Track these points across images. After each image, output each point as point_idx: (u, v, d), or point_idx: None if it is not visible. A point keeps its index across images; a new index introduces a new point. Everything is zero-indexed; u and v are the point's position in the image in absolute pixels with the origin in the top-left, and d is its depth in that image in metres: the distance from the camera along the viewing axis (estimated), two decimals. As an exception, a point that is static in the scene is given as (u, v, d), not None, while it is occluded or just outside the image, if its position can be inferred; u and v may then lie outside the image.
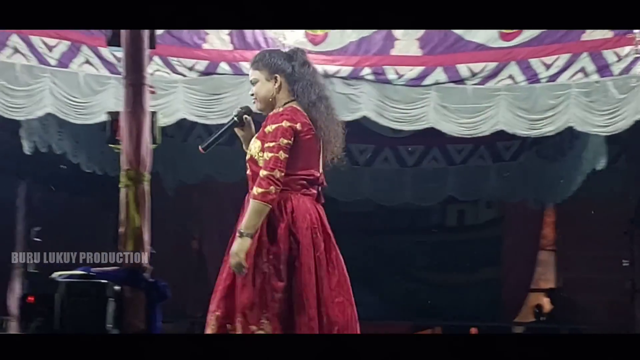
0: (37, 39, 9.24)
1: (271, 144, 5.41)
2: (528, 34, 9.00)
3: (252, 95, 5.74)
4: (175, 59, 9.33)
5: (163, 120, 9.06)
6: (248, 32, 9.20)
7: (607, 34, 8.88)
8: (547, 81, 9.07)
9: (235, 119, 5.80)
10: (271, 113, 5.61)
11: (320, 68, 8.99)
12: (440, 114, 9.25)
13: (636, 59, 8.83)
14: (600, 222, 12.35)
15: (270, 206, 5.40)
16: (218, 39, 9.30)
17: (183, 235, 14.94)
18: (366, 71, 9.21)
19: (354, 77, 9.25)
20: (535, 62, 9.06)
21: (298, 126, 5.51)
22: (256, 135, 5.67)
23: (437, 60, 9.16)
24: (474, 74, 9.15)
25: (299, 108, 5.61)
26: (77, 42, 9.28)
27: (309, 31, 9.13)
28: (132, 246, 4.97)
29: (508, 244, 14.88)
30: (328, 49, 9.20)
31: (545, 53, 9.03)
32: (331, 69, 9.19)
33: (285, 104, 5.63)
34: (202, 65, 9.36)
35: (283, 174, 5.39)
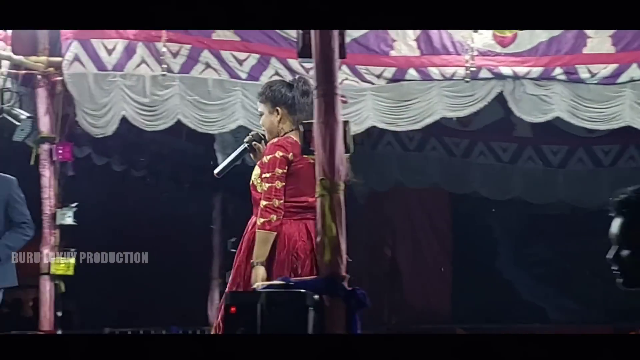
0: (228, 54, 9.44)
1: (268, 175, 5.71)
2: None
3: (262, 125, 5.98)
4: (363, 67, 9.37)
5: (353, 129, 9.14)
6: (435, 37, 9.16)
7: None
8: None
9: (247, 145, 6.06)
10: (269, 143, 5.86)
11: (510, 70, 8.92)
12: (636, 111, 8.99)
13: None
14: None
15: (275, 233, 5.68)
16: (405, 45, 9.29)
17: (376, 243, 14.99)
18: (558, 71, 9.03)
19: (545, 77, 9.09)
20: None
21: (290, 156, 5.74)
22: (258, 162, 5.91)
23: (632, 57, 8.92)
24: (670, 69, 8.86)
25: (295, 138, 5.77)
26: (266, 55, 9.43)
27: (497, 33, 9.02)
28: (329, 255, 4.98)
29: None
30: (517, 50, 9.08)
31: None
32: (521, 70, 9.06)
33: (285, 134, 5.85)
34: (389, 72, 9.36)
35: (282, 201, 5.68)
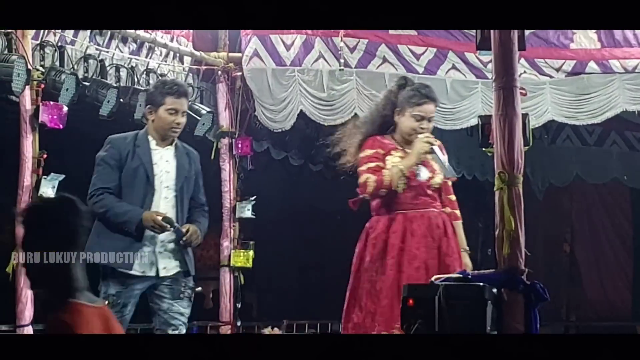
0: (405, 48, 9.47)
1: None
2: None
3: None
4: (542, 60, 9.25)
5: (532, 122, 9.05)
6: (617, 30, 8.97)
7: None
8: None
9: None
10: None
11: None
12: None
13: None
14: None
15: None
16: (586, 38, 9.13)
17: (554, 238, 14.77)
18: None
19: None
20: None
21: None
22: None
23: None
24: None
25: None
26: (443, 49, 9.42)
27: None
28: (508, 248, 4.94)
29: None
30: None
31: None
32: None
33: None
34: (569, 65, 9.22)
35: None
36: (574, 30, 9.11)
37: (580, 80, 9.27)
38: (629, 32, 8.98)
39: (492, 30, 5.16)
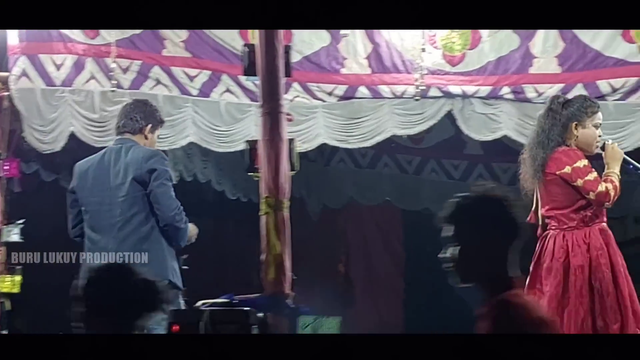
0: (179, 70, 9.43)
1: None
2: (670, 47, 8.82)
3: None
4: (314, 84, 9.39)
5: (304, 146, 9.17)
6: (385, 55, 9.21)
7: None
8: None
9: None
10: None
11: (459, 89, 9.00)
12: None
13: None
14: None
15: None
16: (356, 64, 9.33)
17: (329, 260, 14.95)
18: (505, 90, 9.11)
19: (493, 96, 9.17)
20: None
21: None
22: None
23: (577, 77, 9.00)
24: (614, 90, 8.97)
25: None
26: (217, 72, 9.43)
27: (447, 52, 9.10)
28: (273, 273, 5.01)
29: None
30: (466, 69, 9.15)
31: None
32: (470, 89, 9.13)
33: None
34: (341, 90, 9.40)
35: None
36: (345, 55, 9.29)
37: (351, 105, 9.45)
38: (397, 58, 9.21)
39: (258, 56, 5.21)
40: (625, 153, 8.09)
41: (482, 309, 3.54)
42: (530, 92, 9.08)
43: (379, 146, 10.85)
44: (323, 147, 10.45)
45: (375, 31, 9.02)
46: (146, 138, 6.10)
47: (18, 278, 9.28)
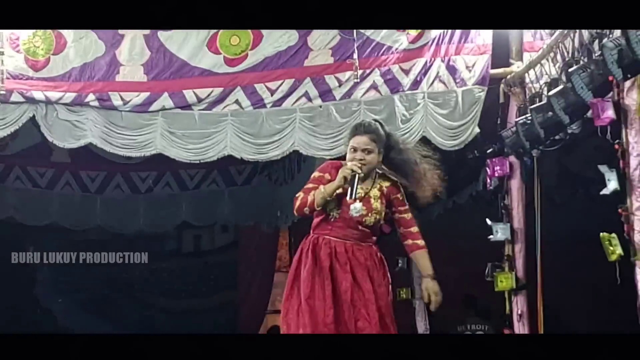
0: None
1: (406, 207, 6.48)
2: (252, 60, 9.10)
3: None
4: None
5: None
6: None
7: (328, 59, 9.10)
8: (272, 106, 9.19)
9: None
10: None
11: (42, 95, 8.83)
12: (167, 139, 9.19)
13: (356, 83, 9.09)
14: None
15: None
16: None
17: None
18: (91, 97, 9.04)
19: (78, 103, 9.05)
20: (260, 87, 9.15)
21: None
22: (379, 199, 6.40)
23: (163, 86, 9.10)
24: (200, 100, 9.15)
25: None
26: None
27: (29, 56, 8.90)
28: None
29: (244, 267, 15.03)
30: (51, 74, 8.97)
31: (270, 78, 9.13)
32: (54, 95, 8.97)
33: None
34: None
35: None
36: None
37: None
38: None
39: None
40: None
41: None
42: (116, 99, 9.06)
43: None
44: None
45: None
46: None
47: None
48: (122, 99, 9.06)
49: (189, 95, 9.17)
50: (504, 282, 8.77)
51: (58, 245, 14.94)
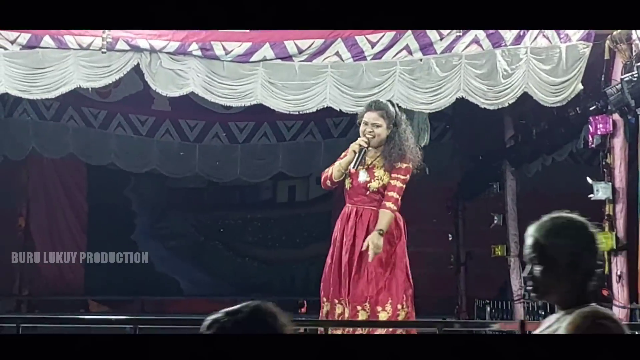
0: None
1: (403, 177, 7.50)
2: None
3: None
4: (-5, 31, 9.02)
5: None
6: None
7: (430, 12, 9.03)
8: (373, 58, 9.15)
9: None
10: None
11: (146, 43, 8.93)
12: (268, 90, 9.22)
13: (457, 37, 9.00)
14: (426, 197, 12.59)
15: None
16: (41, 12, 9.01)
17: (9, 212, 14.49)
18: (194, 46, 9.11)
19: (182, 52, 9.13)
20: (361, 40, 9.12)
21: None
22: (383, 167, 7.52)
23: (265, 37, 9.12)
24: (301, 51, 9.15)
25: None
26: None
27: (135, 5, 9.00)
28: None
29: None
30: (156, 23, 9.07)
31: (371, 31, 9.10)
32: (158, 43, 9.05)
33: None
34: (24, 38, 9.08)
35: None
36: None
37: (35, 54, 9.15)
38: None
39: None
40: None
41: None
42: (218, 49, 9.11)
43: (65, 98, 10.63)
44: (5, 97, 10.09)
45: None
46: None
47: None
48: (224, 48, 9.10)
49: (290, 46, 9.18)
50: (604, 242, 8.65)
51: (154, 192, 15.24)
